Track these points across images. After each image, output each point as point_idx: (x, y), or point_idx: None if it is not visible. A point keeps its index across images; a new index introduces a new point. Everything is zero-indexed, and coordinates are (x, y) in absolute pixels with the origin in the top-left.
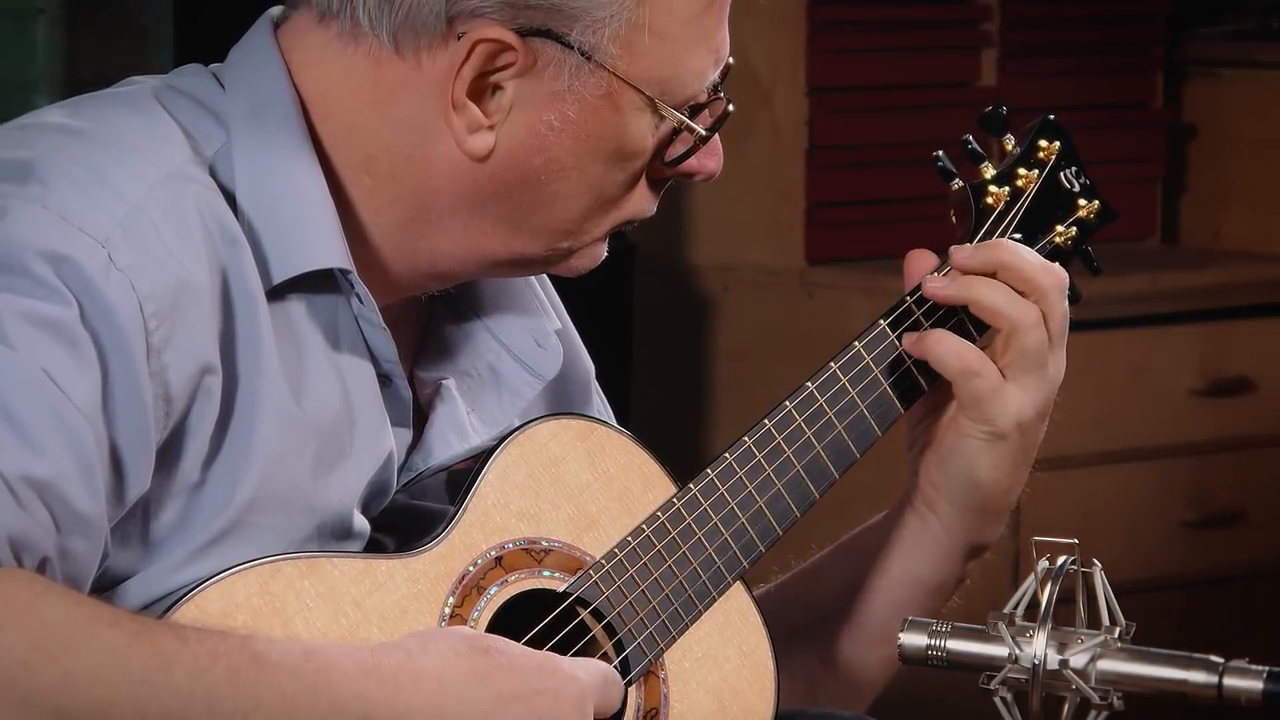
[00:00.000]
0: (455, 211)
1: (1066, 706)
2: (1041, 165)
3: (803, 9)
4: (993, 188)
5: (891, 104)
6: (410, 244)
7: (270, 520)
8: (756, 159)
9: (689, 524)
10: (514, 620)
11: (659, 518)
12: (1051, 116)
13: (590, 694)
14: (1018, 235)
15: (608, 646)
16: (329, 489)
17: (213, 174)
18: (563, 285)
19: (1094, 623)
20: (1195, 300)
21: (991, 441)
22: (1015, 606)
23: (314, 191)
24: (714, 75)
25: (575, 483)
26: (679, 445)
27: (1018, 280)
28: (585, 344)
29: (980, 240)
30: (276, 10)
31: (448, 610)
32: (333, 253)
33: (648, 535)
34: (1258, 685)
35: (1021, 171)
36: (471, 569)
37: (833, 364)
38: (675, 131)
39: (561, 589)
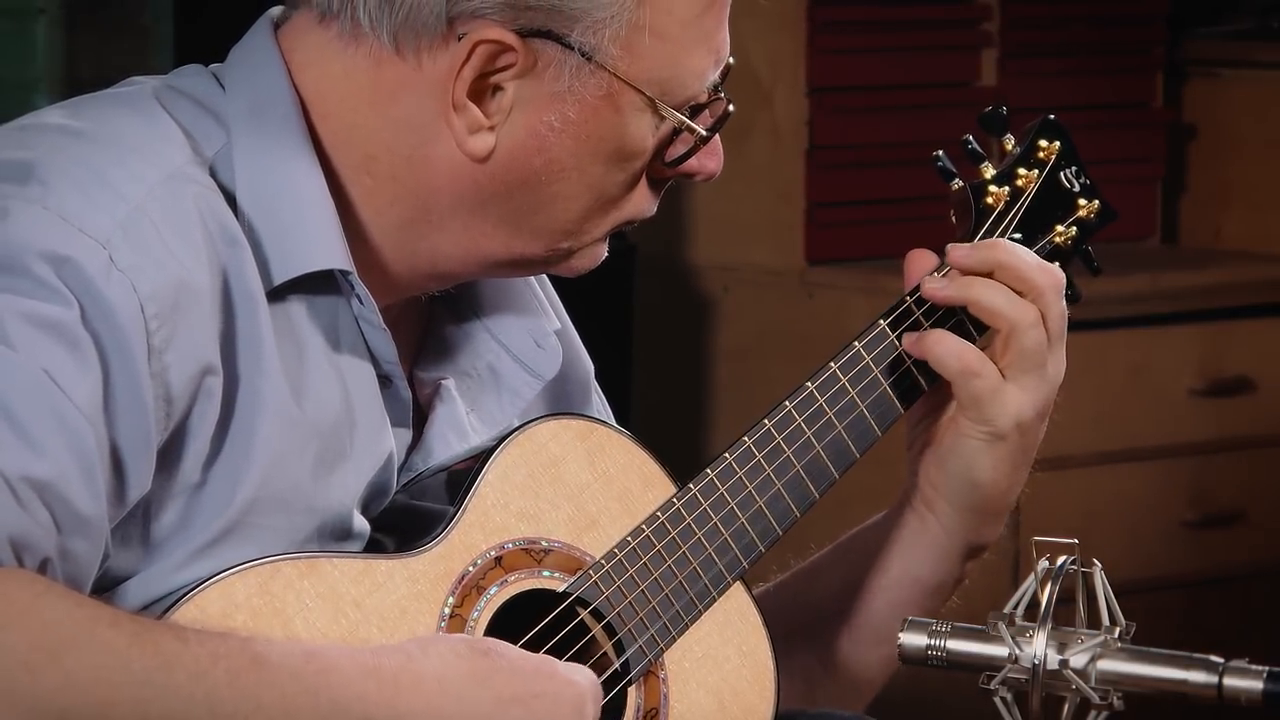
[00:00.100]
0: (455, 212)
1: (1066, 706)
2: (1041, 165)
3: (803, 9)
4: (993, 188)
5: (891, 104)
6: (410, 244)
7: (270, 521)
8: (756, 159)
9: (689, 524)
10: (514, 620)
11: (659, 518)
12: (1051, 116)
13: (588, 697)
14: (1018, 235)
15: (608, 647)
16: (329, 490)
17: (213, 174)
18: (563, 285)
19: (1094, 623)
20: (1195, 300)
21: (991, 442)
22: (1015, 606)
23: (314, 192)
24: (714, 75)
25: (575, 483)
26: (679, 445)
27: (1014, 280)
28: (585, 344)
29: (980, 240)
30: (276, 10)
31: (447, 610)
32: (333, 254)
33: (648, 535)
34: (1258, 685)
35: (1021, 171)
36: (471, 569)
37: (833, 364)
38: (675, 132)
39: (561, 589)
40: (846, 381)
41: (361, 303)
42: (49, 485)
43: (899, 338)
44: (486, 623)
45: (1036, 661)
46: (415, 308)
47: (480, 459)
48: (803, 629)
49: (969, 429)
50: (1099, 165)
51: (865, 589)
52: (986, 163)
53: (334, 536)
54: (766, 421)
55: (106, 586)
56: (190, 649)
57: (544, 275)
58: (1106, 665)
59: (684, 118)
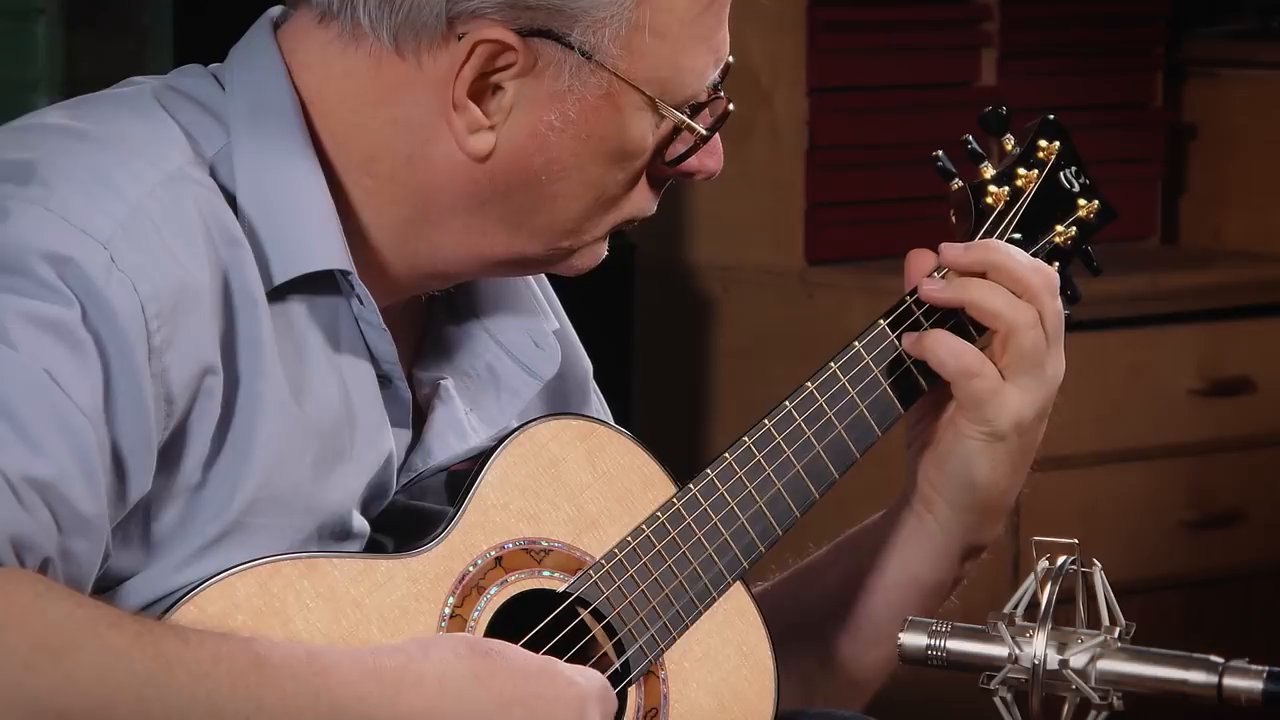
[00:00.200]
0: (456, 212)
1: (1066, 706)
2: (1041, 165)
3: (803, 9)
4: (992, 188)
5: (891, 104)
6: (411, 244)
7: (270, 521)
8: (756, 159)
9: (689, 524)
10: (514, 620)
11: (659, 518)
12: (1051, 116)
13: (590, 699)
14: (1017, 235)
15: (608, 647)
16: (329, 490)
17: (213, 175)
18: (562, 285)
19: (1094, 623)
20: (1195, 300)
21: (990, 442)
22: (1015, 606)
23: (314, 192)
24: (714, 74)
25: (575, 483)
26: (679, 445)
27: (1008, 281)
28: (585, 344)
29: (980, 240)
30: (276, 10)
31: (448, 610)
32: (333, 254)
33: (648, 535)
34: (1258, 685)
35: (1021, 171)
36: (471, 569)
37: (833, 364)
38: (675, 131)
39: (561, 589)
40: (846, 382)
41: (361, 303)
42: (50, 485)
43: (899, 338)
44: (487, 623)
45: (1036, 661)
46: (414, 308)
47: (480, 459)
48: (800, 629)
49: (968, 429)
50: (1099, 165)
51: (862, 589)
52: (986, 163)
53: (334, 536)
54: (766, 422)
55: (107, 586)
56: (191, 650)
57: (543, 275)
58: (1106, 665)
59: (684, 116)
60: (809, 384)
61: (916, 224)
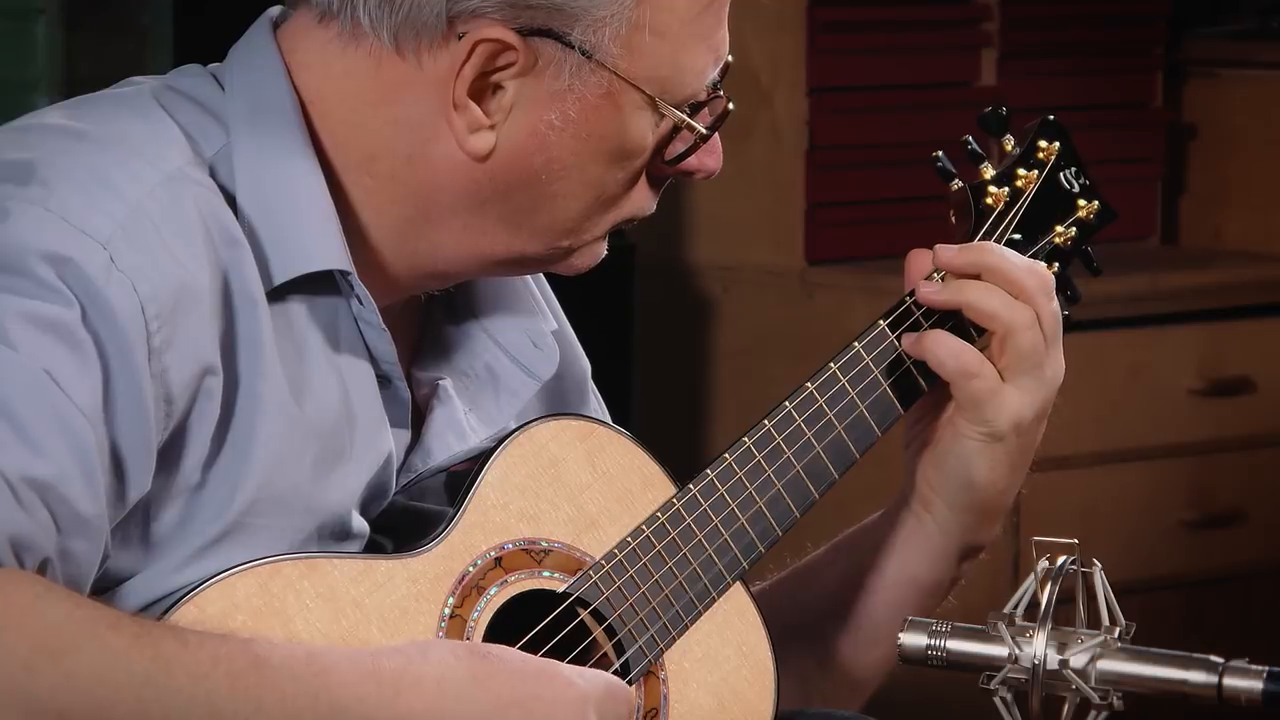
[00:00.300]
0: (456, 211)
1: (1066, 706)
2: (1041, 165)
3: (803, 9)
4: (992, 188)
5: (891, 104)
6: (411, 244)
7: (270, 521)
8: (756, 159)
9: (689, 525)
10: (514, 621)
11: (659, 518)
12: (1051, 116)
13: (590, 701)
14: (1017, 236)
15: (608, 647)
16: (329, 490)
17: (213, 175)
18: (562, 285)
19: (1094, 623)
20: (1195, 300)
21: (989, 442)
22: (1015, 606)
23: (314, 192)
24: (714, 74)
25: (575, 483)
26: (679, 445)
27: (1003, 282)
28: (585, 344)
29: (980, 241)
30: (276, 10)
31: (448, 610)
32: (332, 254)
33: (648, 536)
34: (1258, 685)
35: (1021, 172)
36: (471, 569)
37: (832, 364)
38: (675, 130)
39: (561, 589)
40: (846, 382)
41: (361, 303)
42: (49, 486)
43: (899, 338)
44: (486, 623)
45: (1036, 661)
46: (413, 308)
47: (480, 460)
48: (798, 628)
49: (967, 429)
50: (1099, 165)
51: (861, 589)
52: (986, 163)
53: (333, 537)
54: (766, 422)
55: (106, 587)
56: (190, 651)
57: (542, 275)
58: (1106, 665)
59: (684, 115)
60: (809, 384)
61: (916, 224)
